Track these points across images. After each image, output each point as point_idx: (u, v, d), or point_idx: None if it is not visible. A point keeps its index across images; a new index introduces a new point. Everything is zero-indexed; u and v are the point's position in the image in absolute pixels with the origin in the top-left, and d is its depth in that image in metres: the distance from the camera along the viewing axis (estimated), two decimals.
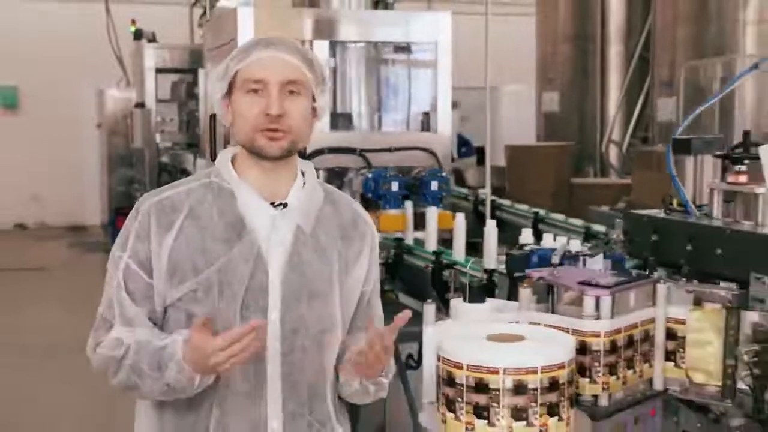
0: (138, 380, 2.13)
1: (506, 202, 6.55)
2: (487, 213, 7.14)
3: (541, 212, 5.35)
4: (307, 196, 2.25)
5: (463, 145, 14.20)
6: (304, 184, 2.25)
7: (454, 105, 13.26)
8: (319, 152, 5.11)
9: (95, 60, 13.34)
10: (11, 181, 15.41)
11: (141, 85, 11.27)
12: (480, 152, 13.01)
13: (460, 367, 2.20)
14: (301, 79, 2.16)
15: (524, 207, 6.05)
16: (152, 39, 11.42)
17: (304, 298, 2.18)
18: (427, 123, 7.18)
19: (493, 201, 7.56)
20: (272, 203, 2.20)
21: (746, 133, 2.64)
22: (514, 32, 14.67)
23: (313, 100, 2.21)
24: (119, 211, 12.63)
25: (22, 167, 15.46)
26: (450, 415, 2.24)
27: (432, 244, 4.23)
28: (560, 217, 5.27)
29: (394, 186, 4.82)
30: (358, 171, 5.21)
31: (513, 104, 17.32)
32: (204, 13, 10.28)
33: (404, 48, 7.40)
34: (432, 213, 4.29)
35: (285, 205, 2.21)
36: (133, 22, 12.22)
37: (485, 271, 3.52)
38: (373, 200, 4.83)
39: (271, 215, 2.19)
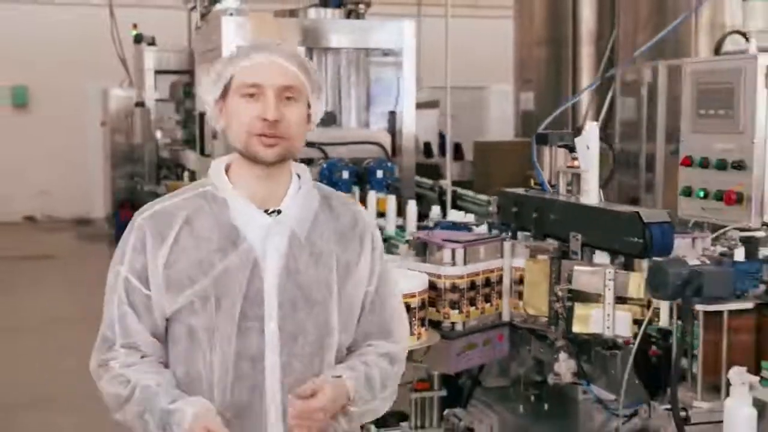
0: (140, 428, 2.12)
1: (469, 192, 7.28)
2: (448, 202, 8.00)
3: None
4: (302, 201, 2.20)
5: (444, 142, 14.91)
6: (299, 188, 2.21)
7: (435, 104, 14.09)
8: None
9: (100, 61, 13.88)
10: (21, 176, 16.08)
11: (141, 86, 12.08)
12: (457, 149, 13.75)
13: None
14: (297, 85, 2.14)
15: (484, 197, 6.79)
16: (152, 42, 12.22)
17: (302, 305, 2.15)
18: (392, 121, 8.00)
19: (455, 191, 8.42)
20: (266, 210, 2.17)
21: (577, 129, 3.43)
22: (503, 34, 15.29)
23: (308, 106, 2.19)
24: (122, 204, 13.49)
25: (32, 163, 16.12)
26: None
27: None
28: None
29: (345, 174, 5.64)
30: (317, 161, 6.03)
31: (500, 103, 18.01)
32: (202, 16, 10.99)
33: (372, 52, 8.21)
34: (371, 197, 5.12)
35: (279, 212, 2.17)
36: (135, 26, 13.00)
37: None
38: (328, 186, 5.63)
39: (265, 223, 2.15)
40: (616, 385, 2.90)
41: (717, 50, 6.91)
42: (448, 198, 8.06)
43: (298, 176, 2.26)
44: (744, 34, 7.69)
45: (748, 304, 2.40)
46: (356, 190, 5.53)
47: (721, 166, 2.63)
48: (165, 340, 2.21)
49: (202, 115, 8.17)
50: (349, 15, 8.34)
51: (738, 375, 2.26)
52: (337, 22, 8.17)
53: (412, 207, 4.84)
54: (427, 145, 13.21)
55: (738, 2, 10.19)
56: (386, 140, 6.51)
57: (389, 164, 6.01)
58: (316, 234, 2.20)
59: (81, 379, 6.73)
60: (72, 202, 16.45)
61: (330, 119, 7.19)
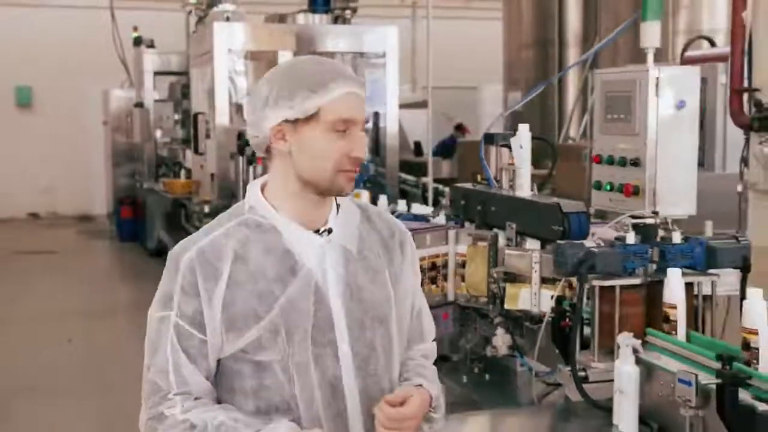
0: None
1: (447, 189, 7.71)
2: (430, 198, 8.43)
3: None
4: (345, 218, 2.11)
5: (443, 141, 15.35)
6: (338, 206, 2.12)
7: (425, 104, 14.47)
8: None
9: (102, 63, 14.27)
10: (25, 174, 16.52)
11: (140, 87, 12.51)
12: (448, 147, 14.16)
13: None
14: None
15: None
16: (151, 45, 12.66)
17: (368, 324, 2.08)
18: (377, 121, 8.45)
19: (437, 188, 8.85)
20: (316, 231, 2.07)
21: (514, 130, 3.85)
22: (496, 35, 15.60)
23: None
24: (122, 201, 13.94)
25: (35, 161, 16.56)
26: None
27: None
28: None
29: None
30: None
31: (493, 103, 18.38)
32: (199, 19, 11.41)
33: (359, 56, 8.65)
34: None
35: (330, 231, 2.08)
36: (135, 29, 13.43)
37: None
38: None
39: (319, 244, 2.06)
40: (542, 355, 3.32)
41: (682, 54, 7.34)
42: (430, 194, 8.51)
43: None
44: (710, 39, 8.12)
45: (637, 280, 2.82)
46: None
47: (622, 163, 3.03)
48: (216, 380, 2.07)
49: (196, 116, 8.61)
50: (336, 20, 8.78)
51: (624, 339, 2.67)
52: (326, 27, 8.61)
53: (382, 202, 5.26)
54: (417, 144, 13.66)
55: (715, 7, 10.57)
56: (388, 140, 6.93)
57: (365, 162, 6.42)
58: (365, 249, 2.12)
59: (82, 368, 7.19)
60: (74, 199, 16.87)
61: None
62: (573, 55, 13.59)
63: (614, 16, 11.79)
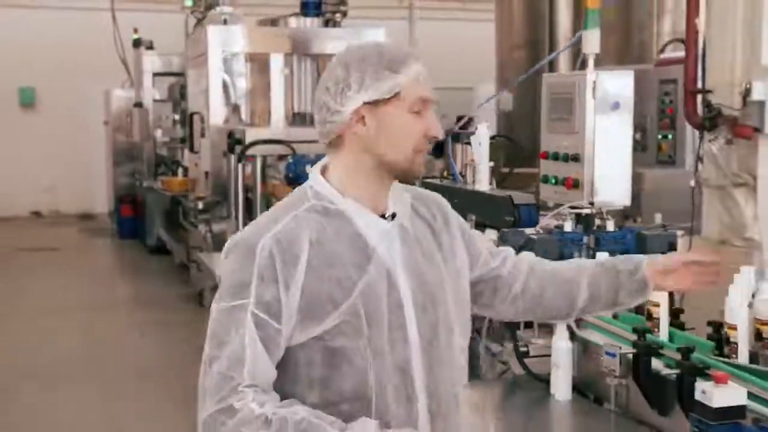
0: None
1: None
2: None
3: None
4: (402, 203, 2.09)
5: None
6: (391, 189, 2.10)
7: None
8: (256, 143, 6.65)
9: (103, 64, 14.34)
10: (28, 173, 16.70)
11: (139, 87, 12.82)
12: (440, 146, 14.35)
13: None
14: None
15: None
16: (150, 46, 12.96)
17: (429, 307, 2.06)
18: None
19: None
20: (382, 215, 2.05)
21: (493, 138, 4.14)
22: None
23: None
24: (122, 199, 14.23)
25: (38, 160, 16.74)
26: None
27: None
28: None
29: (309, 168, 6.32)
30: (286, 157, 6.76)
31: (489, 103, 18.58)
32: (198, 21, 11.68)
33: None
34: None
35: (394, 216, 2.06)
36: (136, 30, 13.72)
37: None
38: (293, 179, 6.36)
39: (386, 229, 2.04)
40: (498, 335, 3.62)
41: (658, 56, 7.64)
42: None
43: None
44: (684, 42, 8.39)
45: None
46: None
47: (565, 158, 3.33)
48: (278, 369, 1.99)
49: (191, 116, 8.92)
50: (327, 23, 9.07)
51: None
52: (317, 30, 8.90)
53: None
54: None
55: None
56: None
57: None
58: (419, 233, 2.10)
59: (82, 359, 7.50)
60: (76, 197, 17.07)
61: (301, 120, 7.96)
62: (563, 56, 13.89)
63: (601, 20, 12.08)
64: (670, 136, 7.63)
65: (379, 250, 2.01)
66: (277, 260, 1.93)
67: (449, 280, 2.12)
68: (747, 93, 4.39)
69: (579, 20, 13.70)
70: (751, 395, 2.34)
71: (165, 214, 12.15)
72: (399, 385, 2.01)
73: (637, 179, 7.24)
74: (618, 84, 3.25)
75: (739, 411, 2.28)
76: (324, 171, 2.06)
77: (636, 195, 6.86)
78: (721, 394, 2.27)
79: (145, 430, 6.04)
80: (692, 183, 4.79)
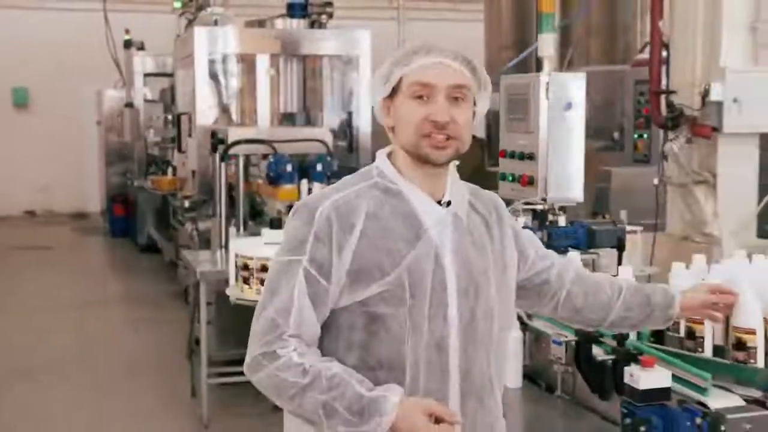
0: (324, 417, 2.04)
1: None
2: None
3: None
4: (459, 193, 2.23)
5: None
6: (451, 181, 2.24)
7: None
8: (238, 142, 6.78)
9: (96, 64, 14.40)
10: (22, 173, 16.83)
11: (130, 87, 12.95)
12: None
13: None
14: (466, 84, 2.14)
15: None
16: (141, 47, 13.08)
17: (471, 292, 2.18)
18: (349, 120, 8.89)
19: None
20: (438, 201, 2.19)
21: None
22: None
23: (474, 104, 2.18)
24: (114, 198, 14.37)
25: (32, 160, 16.86)
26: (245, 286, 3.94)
27: None
28: None
29: (288, 167, 6.49)
30: (267, 156, 6.90)
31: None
32: (189, 22, 11.78)
33: (333, 59, 9.08)
34: (303, 184, 5.98)
35: (449, 203, 2.19)
36: (128, 31, 13.83)
37: None
38: (274, 178, 6.51)
39: (441, 214, 2.17)
40: None
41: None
42: None
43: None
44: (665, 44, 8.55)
45: None
46: (304, 181, 6.38)
47: (521, 157, 3.47)
48: (322, 330, 2.15)
49: (179, 116, 9.03)
50: (312, 25, 9.20)
51: None
52: (303, 31, 9.03)
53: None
54: None
55: None
56: (328, 138, 7.37)
57: (329, 159, 6.86)
58: (472, 224, 2.23)
59: (74, 354, 7.63)
60: (70, 197, 17.20)
61: (289, 120, 8.11)
62: (548, 57, 14.03)
63: (584, 21, 12.26)
64: (645, 135, 7.81)
65: (431, 232, 2.15)
66: (334, 225, 2.09)
67: (496, 271, 2.24)
68: (706, 94, 4.55)
69: (566, 20, 13.90)
70: (678, 379, 2.49)
71: (156, 213, 12.29)
72: (434, 360, 2.13)
73: (605, 177, 7.44)
74: (570, 85, 3.40)
75: (664, 393, 2.43)
76: (390, 155, 2.23)
77: (605, 192, 7.05)
78: (647, 377, 2.42)
79: (133, 424, 6.17)
80: (656, 181, 4.95)
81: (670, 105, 4.80)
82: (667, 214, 5.11)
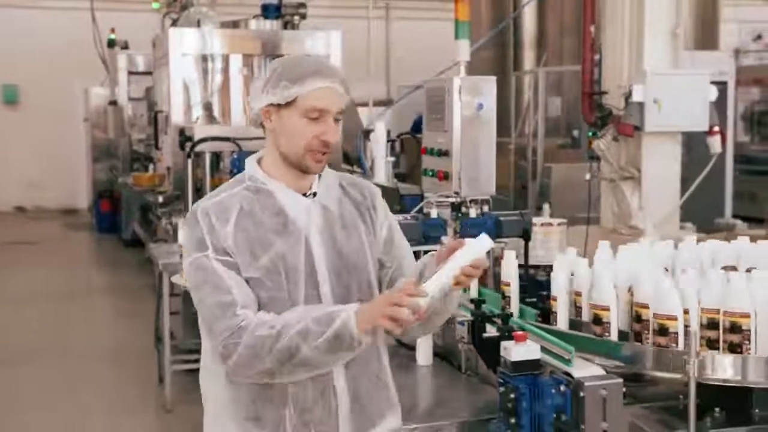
0: (302, 342, 2.24)
1: None
2: None
3: None
4: (327, 185, 2.48)
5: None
6: (320, 176, 2.46)
7: (390, 102, 15.23)
8: (204, 140, 7.07)
9: (85, 62, 14.77)
10: (12, 169, 17.13)
11: (114, 86, 13.23)
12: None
13: None
14: (345, 107, 2.42)
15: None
16: (125, 46, 13.36)
17: (344, 271, 2.42)
18: None
19: None
20: (304, 194, 2.43)
21: (399, 136, 4.58)
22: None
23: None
24: (101, 195, 14.64)
25: (22, 156, 17.16)
26: None
27: None
28: None
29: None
30: (232, 153, 7.18)
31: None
32: (173, 22, 12.03)
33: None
34: None
35: (315, 194, 2.44)
36: (113, 30, 14.12)
37: None
38: (237, 174, 6.75)
39: (306, 205, 2.42)
40: None
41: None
42: None
43: None
44: None
45: (437, 246, 3.55)
46: None
47: (439, 153, 3.75)
48: None
49: (156, 114, 9.34)
50: (285, 26, 9.48)
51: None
52: (276, 32, 9.31)
53: None
54: None
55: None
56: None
57: None
58: (344, 210, 2.47)
59: (56, 342, 7.91)
60: (59, 193, 17.49)
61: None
62: (528, 56, 14.34)
63: (559, 22, 12.58)
64: (597, 134, 8.10)
65: (298, 222, 2.40)
66: (213, 217, 2.35)
67: (370, 249, 2.49)
68: (629, 95, 4.84)
69: (543, 22, 14.21)
70: (548, 352, 2.78)
71: (140, 208, 12.57)
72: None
73: (546, 173, 7.73)
74: (482, 87, 3.68)
75: (534, 364, 2.72)
76: (260, 160, 2.48)
77: (545, 187, 7.35)
78: (518, 350, 2.71)
79: (100, 409, 6.47)
80: (587, 177, 5.24)
81: (599, 105, 5.09)
82: (601, 208, 5.40)
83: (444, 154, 3.71)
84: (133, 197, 12.65)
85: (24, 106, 17.62)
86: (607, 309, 2.86)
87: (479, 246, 2.28)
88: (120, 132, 13.00)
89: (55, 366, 7.45)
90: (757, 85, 12.10)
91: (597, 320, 2.88)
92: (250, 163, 2.48)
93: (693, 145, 6.09)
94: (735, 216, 8.23)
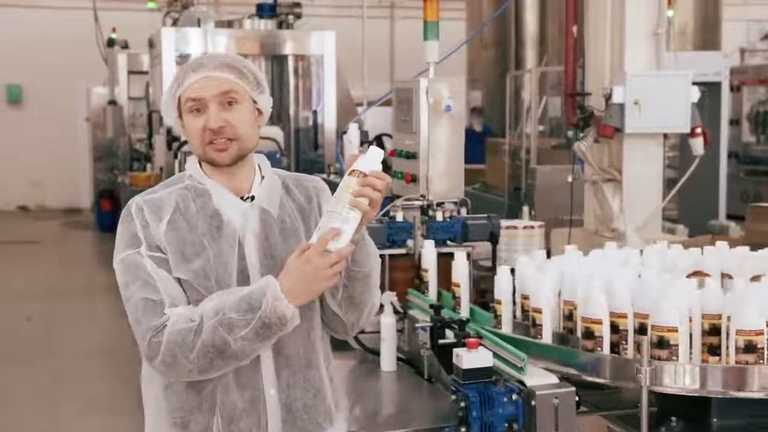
0: (227, 335, 2.19)
1: None
2: None
3: None
4: (268, 187, 2.40)
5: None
6: (263, 177, 2.41)
7: (389, 103, 15.13)
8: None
9: (88, 61, 14.83)
10: (15, 168, 17.12)
11: (114, 85, 13.21)
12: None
13: None
14: (234, 88, 2.30)
15: None
16: (125, 46, 13.35)
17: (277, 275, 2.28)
18: (314, 118, 9.14)
19: None
20: (242, 197, 2.37)
21: (378, 137, 4.52)
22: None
23: (255, 102, 2.35)
24: (102, 194, 14.64)
25: (25, 155, 17.15)
26: None
27: None
28: None
29: None
30: None
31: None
32: (174, 21, 12.02)
33: (299, 58, 9.33)
34: None
35: (252, 198, 2.37)
36: (114, 30, 14.11)
37: None
38: None
39: (243, 208, 2.36)
40: None
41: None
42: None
43: (259, 167, 2.43)
44: None
45: (402, 251, 3.51)
46: None
47: (407, 156, 3.71)
48: None
49: (150, 113, 9.32)
50: (280, 25, 9.44)
51: (386, 296, 3.36)
52: (270, 32, 9.27)
53: None
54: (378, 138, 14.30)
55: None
56: (279, 136, 7.61)
57: (278, 156, 7.10)
58: (284, 213, 2.38)
59: (50, 338, 7.90)
60: (62, 192, 17.50)
61: None
62: (530, 55, 14.29)
63: (558, 21, 12.48)
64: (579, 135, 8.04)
65: (233, 225, 2.33)
66: (146, 212, 2.31)
67: None
68: (609, 96, 4.78)
69: (544, 20, 14.14)
70: (501, 359, 2.73)
71: None
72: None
73: (530, 175, 7.66)
74: (450, 90, 3.63)
75: (486, 372, 2.67)
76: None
77: (530, 189, 7.28)
78: (469, 357, 2.66)
79: (83, 403, 6.50)
80: (570, 179, 5.19)
81: (581, 106, 5.03)
82: (585, 210, 5.35)
83: (412, 156, 3.66)
84: (131, 196, 12.60)
85: (27, 105, 17.64)
86: (539, 311, 2.81)
87: (371, 157, 2.25)
88: (120, 131, 12.99)
89: (54, 365, 7.47)
90: (763, 84, 11.97)
91: (534, 323, 2.83)
92: (191, 161, 2.44)
93: (686, 146, 6.02)
94: (740, 217, 8.14)
